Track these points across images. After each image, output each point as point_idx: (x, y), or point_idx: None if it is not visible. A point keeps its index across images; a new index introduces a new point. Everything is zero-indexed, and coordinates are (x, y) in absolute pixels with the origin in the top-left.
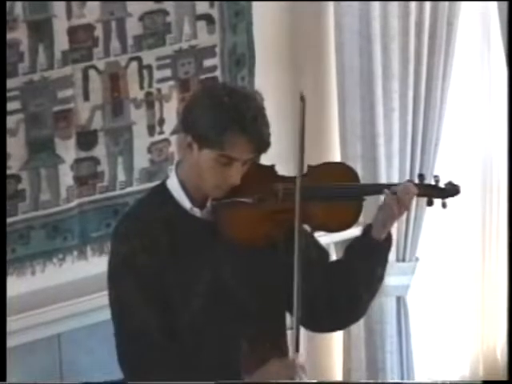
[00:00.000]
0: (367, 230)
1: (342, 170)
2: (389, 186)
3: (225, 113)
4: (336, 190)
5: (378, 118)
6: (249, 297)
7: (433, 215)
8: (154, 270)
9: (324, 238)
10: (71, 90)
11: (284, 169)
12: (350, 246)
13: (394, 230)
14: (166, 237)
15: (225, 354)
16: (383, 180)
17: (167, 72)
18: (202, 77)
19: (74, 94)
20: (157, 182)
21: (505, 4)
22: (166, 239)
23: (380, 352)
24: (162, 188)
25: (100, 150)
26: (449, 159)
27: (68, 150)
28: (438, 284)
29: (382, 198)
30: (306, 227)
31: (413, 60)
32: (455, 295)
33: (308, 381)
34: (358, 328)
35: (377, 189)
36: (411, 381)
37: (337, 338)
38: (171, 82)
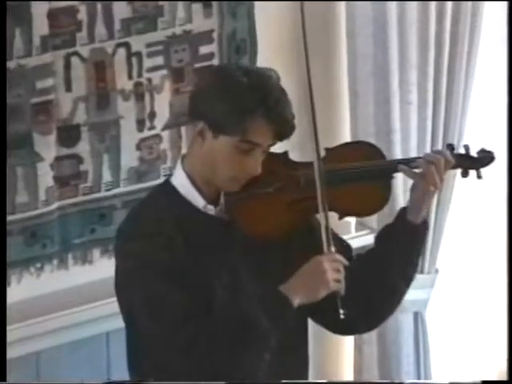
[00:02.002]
0: (402, 213)
1: (364, 149)
2: (419, 158)
3: (245, 94)
4: (360, 169)
5: (394, 113)
6: (267, 294)
7: (454, 222)
8: (173, 268)
9: None
10: (51, 80)
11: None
12: (383, 233)
13: None
14: (180, 238)
15: (246, 364)
16: (399, 183)
17: (159, 60)
18: (198, 65)
19: (55, 84)
20: (152, 182)
21: None
22: (181, 240)
23: (395, 373)
24: (167, 187)
25: (83, 147)
26: None
27: (48, 147)
28: (459, 298)
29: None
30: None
31: (433, 49)
32: (478, 310)
33: (317, 381)
34: (370, 346)
35: (405, 163)
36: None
37: (347, 358)
38: (163, 72)
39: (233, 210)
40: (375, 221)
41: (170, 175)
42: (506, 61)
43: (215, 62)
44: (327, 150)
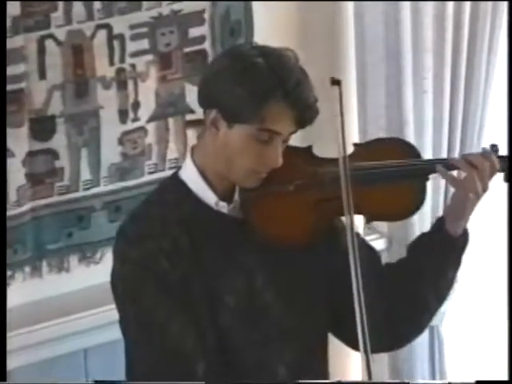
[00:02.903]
0: (440, 222)
1: (397, 145)
2: (463, 156)
3: (261, 77)
4: (392, 168)
5: (407, 103)
6: (287, 312)
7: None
8: (178, 276)
9: None
10: (23, 66)
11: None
12: (418, 243)
13: None
14: (187, 239)
15: (258, 380)
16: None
17: (143, 43)
18: (187, 50)
19: (27, 71)
20: (136, 181)
21: None
22: (187, 242)
23: None
24: (175, 181)
25: (59, 141)
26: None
27: (19, 141)
28: (478, 311)
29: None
30: (360, 217)
31: (451, 30)
32: (499, 324)
33: (328, 381)
34: (381, 365)
35: (443, 163)
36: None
37: (355, 377)
38: (148, 57)
39: (248, 208)
40: (385, 225)
41: (179, 168)
42: (506, 61)
43: (206, 45)
44: (356, 145)
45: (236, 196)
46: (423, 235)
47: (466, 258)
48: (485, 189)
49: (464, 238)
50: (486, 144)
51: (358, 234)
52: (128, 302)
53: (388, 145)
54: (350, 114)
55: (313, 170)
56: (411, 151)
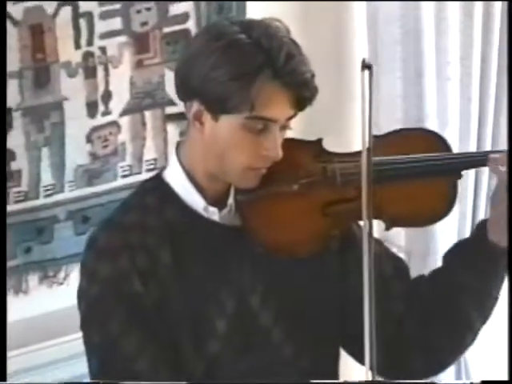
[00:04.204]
0: (481, 230)
1: (423, 138)
2: (500, 152)
3: (246, 55)
4: (418, 164)
5: (427, 93)
6: (289, 336)
7: None
8: (154, 299)
9: None
10: None
11: None
12: (456, 252)
13: None
14: (168, 252)
15: None
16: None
17: (116, 23)
18: (168, 30)
19: None
20: (107, 185)
21: None
22: (169, 255)
23: None
24: (158, 183)
25: (15, 139)
26: None
27: None
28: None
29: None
30: (378, 223)
31: (480, 4)
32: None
33: (334, 381)
34: None
35: (481, 158)
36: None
37: None
38: (121, 38)
39: (245, 213)
40: (403, 237)
41: (163, 168)
42: (506, 61)
43: (190, 24)
44: (374, 137)
45: (230, 200)
46: (462, 243)
47: None
48: None
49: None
50: None
51: (380, 243)
52: (93, 326)
53: (412, 136)
54: (359, 105)
55: (323, 167)
56: (440, 143)
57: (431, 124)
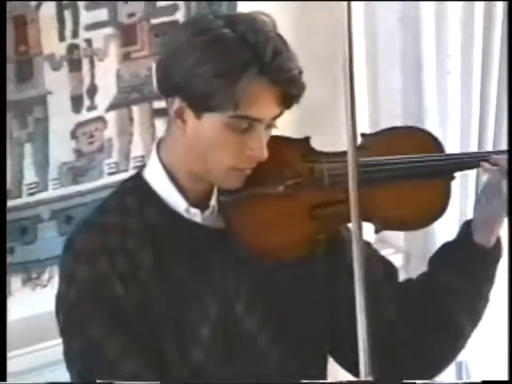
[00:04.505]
0: (467, 229)
1: (416, 137)
2: (492, 153)
3: (231, 51)
4: (409, 165)
5: (427, 87)
6: (274, 341)
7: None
8: (135, 302)
9: None
10: None
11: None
12: (441, 255)
13: None
14: (149, 255)
15: None
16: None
17: (102, 14)
18: (156, 21)
19: None
20: (93, 183)
21: None
22: (150, 258)
23: None
24: (138, 183)
25: None
26: None
27: None
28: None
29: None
30: (368, 226)
31: None
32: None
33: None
34: None
35: (473, 159)
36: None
37: None
38: (108, 30)
39: (229, 214)
40: (402, 238)
41: (144, 166)
42: (506, 61)
43: (179, 16)
44: (364, 136)
45: (213, 201)
46: (448, 245)
47: None
48: None
49: (498, 248)
50: None
51: (369, 245)
52: (74, 332)
53: (404, 135)
54: (358, 100)
55: (310, 167)
56: (432, 144)
57: (431, 119)
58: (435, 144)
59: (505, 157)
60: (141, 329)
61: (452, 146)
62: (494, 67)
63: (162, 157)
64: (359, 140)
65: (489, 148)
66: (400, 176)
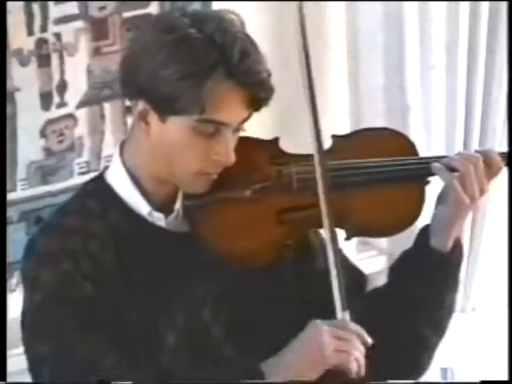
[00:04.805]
0: (423, 236)
1: (389, 139)
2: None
3: (198, 53)
4: (381, 169)
5: (410, 82)
6: (243, 352)
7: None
8: (105, 303)
9: None
10: None
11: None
12: (401, 263)
13: None
14: (113, 260)
15: None
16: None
17: (72, 7)
18: (128, 14)
19: None
20: (63, 184)
21: None
22: (113, 263)
23: None
24: (100, 185)
25: None
26: None
27: None
28: (477, 311)
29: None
30: (339, 232)
31: None
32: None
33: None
34: None
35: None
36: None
37: None
38: (78, 24)
39: (194, 219)
40: (384, 239)
41: (106, 168)
42: (506, 61)
43: (153, 9)
44: (335, 137)
45: (177, 205)
46: (406, 252)
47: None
48: (481, 192)
49: (458, 252)
50: None
51: (340, 251)
52: (42, 336)
53: (377, 137)
54: (338, 96)
55: (278, 170)
56: (406, 146)
57: (415, 116)
58: (409, 147)
59: (460, 158)
60: (112, 328)
61: (436, 144)
62: (480, 61)
63: (125, 159)
64: (329, 142)
65: (475, 146)
66: (372, 180)
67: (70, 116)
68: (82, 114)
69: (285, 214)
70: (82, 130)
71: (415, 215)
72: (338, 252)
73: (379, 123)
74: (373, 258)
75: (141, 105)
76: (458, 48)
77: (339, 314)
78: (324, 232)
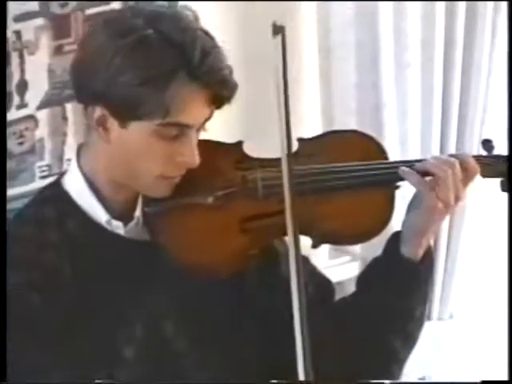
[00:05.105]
0: (393, 243)
1: (357, 142)
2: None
3: (158, 56)
4: (350, 174)
5: (385, 80)
6: (208, 367)
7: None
8: (61, 316)
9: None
10: None
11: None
12: (369, 272)
13: None
14: (68, 270)
15: None
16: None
17: (32, 4)
18: (91, 11)
19: None
20: (23, 188)
21: None
22: (69, 274)
23: None
24: (57, 191)
25: None
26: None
27: None
28: (476, 311)
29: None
30: (304, 239)
31: None
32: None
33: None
34: None
35: (408, 165)
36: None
37: None
38: (38, 21)
39: (155, 226)
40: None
41: (63, 174)
42: (507, 60)
43: (116, 5)
44: (301, 141)
45: (137, 212)
46: (375, 260)
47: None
48: (457, 199)
49: (428, 260)
50: (488, 132)
51: (306, 260)
52: None
53: (345, 140)
54: (309, 94)
55: (242, 175)
56: (376, 150)
57: (389, 115)
58: (379, 150)
59: (435, 161)
60: (65, 341)
61: (412, 144)
62: (457, 59)
63: (83, 164)
64: (295, 145)
65: (452, 147)
66: (340, 186)
67: (31, 117)
68: (42, 115)
69: (249, 222)
70: (42, 131)
71: (384, 222)
72: (301, 260)
73: (352, 121)
74: (346, 264)
75: (98, 111)
76: (434, 44)
77: (297, 324)
78: (288, 239)
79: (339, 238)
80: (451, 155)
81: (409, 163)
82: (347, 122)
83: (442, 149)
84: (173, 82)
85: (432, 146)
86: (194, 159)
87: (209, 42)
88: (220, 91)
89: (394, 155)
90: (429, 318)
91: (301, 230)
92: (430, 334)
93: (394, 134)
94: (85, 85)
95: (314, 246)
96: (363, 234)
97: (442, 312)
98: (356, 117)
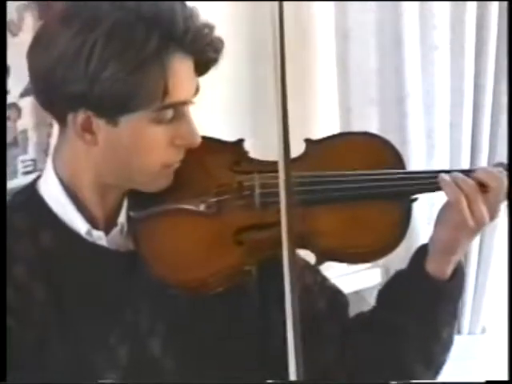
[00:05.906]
0: (418, 259)
1: (371, 147)
2: (460, 172)
3: (136, 37)
4: (360, 184)
5: (409, 65)
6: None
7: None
8: (33, 337)
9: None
10: None
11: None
12: (391, 287)
13: None
14: (44, 286)
15: None
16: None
17: None
18: None
19: None
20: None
21: None
22: (44, 290)
23: None
24: (31, 197)
25: None
26: None
27: None
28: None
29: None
30: (308, 255)
31: None
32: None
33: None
34: None
35: (433, 181)
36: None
37: None
38: (23, 2)
39: (139, 235)
40: None
41: (39, 176)
42: (507, 60)
43: None
44: (309, 142)
45: (121, 217)
46: (398, 274)
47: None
48: (494, 215)
49: (457, 277)
50: None
51: (315, 272)
52: None
53: (356, 144)
54: (324, 82)
55: (238, 181)
56: (390, 155)
57: (414, 103)
58: (394, 156)
59: (465, 178)
60: (38, 367)
61: (439, 138)
62: (491, 41)
63: (59, 170)
64: (302, 147)
65: (484, 142)
66: (348, 196)
67: (13, 106)
68: (26, 103)
69: (244, 234)
70: (26, 122)
71: (397, 239)
72: (296, 276)
73: (372, 112)
74: (366, 271)
75: (81, 115)
76: (465, 24)
77: (291, 347)
78: (283, 254)
79: (344, 255)
80: (497, 165)
81: (433, 173)
82: (367, 113)
83: (473, 144)
84: (165, 58)
85: (463, 141)
86: (196, 138)
87: (184, 6)
88: (208, 55)
89: (418, 151)
90: (459, 332)
91: (300, 243)
92: (459, 349)
93: (420, 127)
94: (58, 92)
95: (318, 262)
96: (369, 253)
97: (473, 325)
98: (377, 107)
